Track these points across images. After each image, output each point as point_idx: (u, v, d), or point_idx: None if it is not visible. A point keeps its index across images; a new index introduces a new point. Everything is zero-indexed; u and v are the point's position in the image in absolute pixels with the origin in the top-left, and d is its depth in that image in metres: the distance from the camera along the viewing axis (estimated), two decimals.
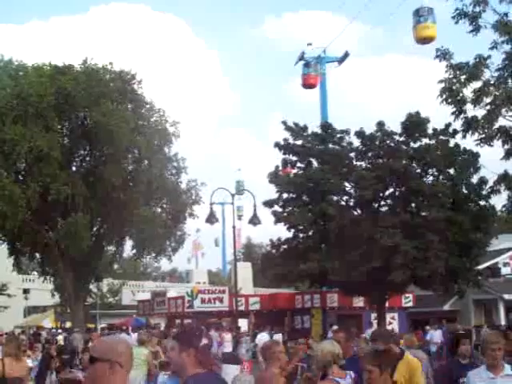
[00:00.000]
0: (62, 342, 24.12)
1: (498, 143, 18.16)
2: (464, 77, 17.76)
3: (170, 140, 34.03)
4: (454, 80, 17.88)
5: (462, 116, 18.25)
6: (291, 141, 26.59)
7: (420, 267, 22.46)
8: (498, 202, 21.28)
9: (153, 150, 32.28)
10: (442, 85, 18.02)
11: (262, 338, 22.59)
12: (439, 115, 27.79)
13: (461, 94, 17.96)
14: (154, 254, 35.57)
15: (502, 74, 17.49)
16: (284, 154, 26.50)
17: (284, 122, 26.65)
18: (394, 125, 25.53)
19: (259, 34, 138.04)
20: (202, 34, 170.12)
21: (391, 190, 25.58)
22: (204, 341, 3.91)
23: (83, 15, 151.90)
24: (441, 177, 25.13)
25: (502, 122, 18.01)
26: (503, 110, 17.78)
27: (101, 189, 31.28)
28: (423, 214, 24.10)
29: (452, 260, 23.00)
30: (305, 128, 26.67)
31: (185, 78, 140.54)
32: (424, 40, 34.00)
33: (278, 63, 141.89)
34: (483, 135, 18.09)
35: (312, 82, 40.88)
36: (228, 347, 22.96)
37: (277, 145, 26.47)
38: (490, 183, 20.66)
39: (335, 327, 19.77)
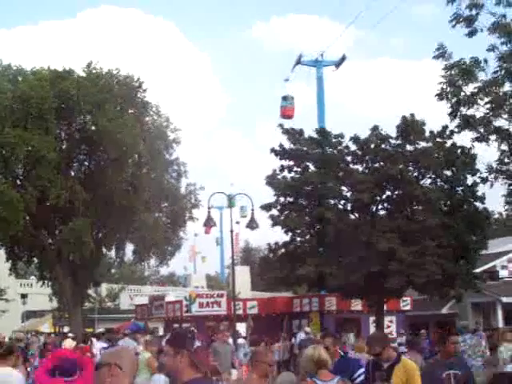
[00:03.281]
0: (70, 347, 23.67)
1: (494, 144, 18.26)
2: (461, 73, 17.71)
3: (171, 146, 34.01)
4: (455, 78, 17.90)
5: (459, 114, 18.27)
6: (287, 145, 26.58)
7: (416, 273, 22.44)
8: (495, 201, 21.26)
9: (153, 155, 32.25)
10: (443, 80, 18.00)
11: (300, 337, 22.99)
12: (433, 117, 27.82)
13: (462, 93, 17.98)
14: (155, 260, 35.60)
15: (498, 75, 17.50)
16: (281, 159, 26.49)
17: (281, 125, 26.69)
18: (389, 128, 25.53)
19: (249, 37, 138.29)
20: (192, 37, 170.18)
21: (388, 193, 25.58)
22: (197, 343, 3.98)
23: (73, 19, 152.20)
24: (438, 180, 25.11)
25: (498, 122, 18.10)
26: (500, 111, 17.83)
27: (100, 193, 31.23)
28: (419, 219, 24.06)
29: (448, 265, 22.96)
30: (301, 132, 26.67)
31: (176, 80, 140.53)
32: None
33: (272, 67, 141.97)
34: (479, 134, 18.20)
35: (289, 114, 44.05)
36: None
37: (273, 150, 26.46)
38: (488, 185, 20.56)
39: (307, 329, 24.68)
